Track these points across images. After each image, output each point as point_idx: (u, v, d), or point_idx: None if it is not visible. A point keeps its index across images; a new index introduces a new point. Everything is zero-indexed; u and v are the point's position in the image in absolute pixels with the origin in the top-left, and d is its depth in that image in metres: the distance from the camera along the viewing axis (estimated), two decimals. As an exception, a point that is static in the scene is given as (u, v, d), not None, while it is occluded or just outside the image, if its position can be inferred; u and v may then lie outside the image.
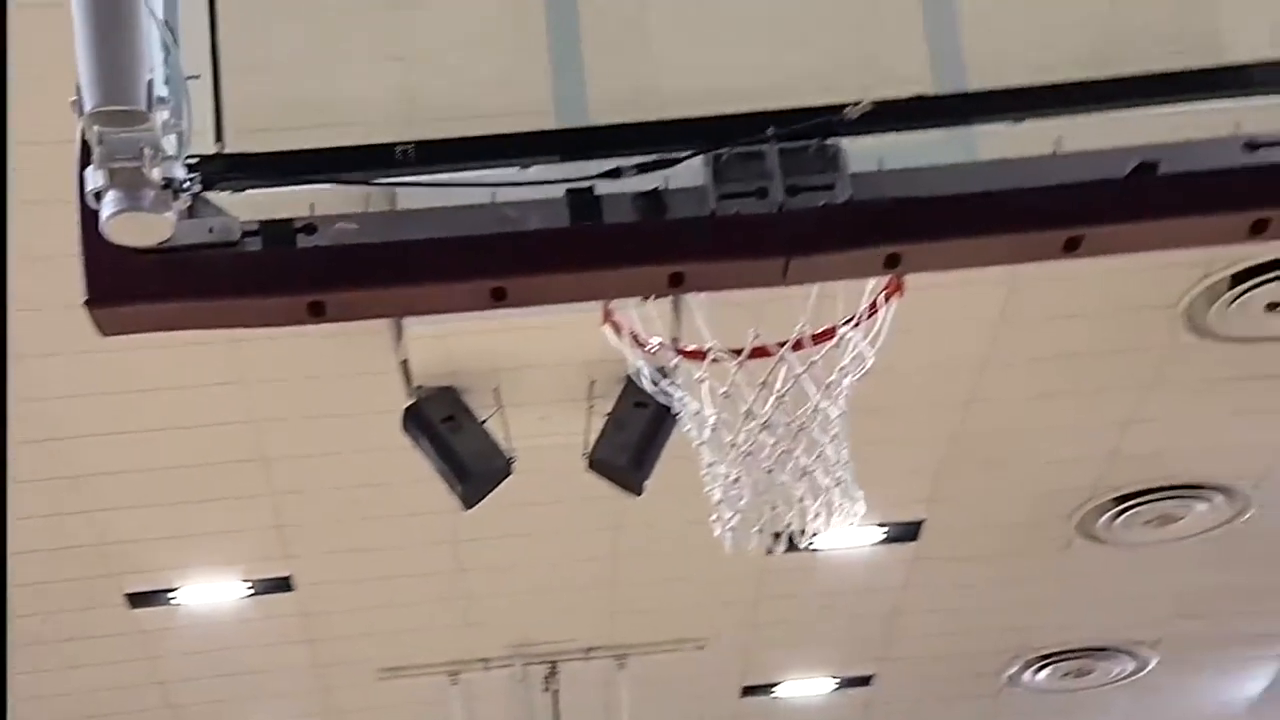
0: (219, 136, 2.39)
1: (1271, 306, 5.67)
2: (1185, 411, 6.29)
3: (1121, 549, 7.18)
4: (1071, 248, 2.44)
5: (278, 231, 2.39)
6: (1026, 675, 8.33)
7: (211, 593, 7.06)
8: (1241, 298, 5.61)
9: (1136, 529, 7.04)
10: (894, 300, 4.18)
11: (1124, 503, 6.90)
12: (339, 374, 5.67)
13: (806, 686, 8.40)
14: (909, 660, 8.05)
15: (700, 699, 8.27)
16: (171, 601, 7.02)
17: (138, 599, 6.94)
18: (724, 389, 4.23)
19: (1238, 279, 5.55)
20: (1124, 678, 8.44)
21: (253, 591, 7.05)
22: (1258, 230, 2.44)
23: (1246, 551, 7.31)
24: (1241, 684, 8.70)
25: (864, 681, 8.31)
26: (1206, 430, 6.45)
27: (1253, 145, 2.43)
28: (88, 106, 2.19)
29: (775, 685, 8.34)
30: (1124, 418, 6.31)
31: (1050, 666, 8.29)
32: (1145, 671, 8.40)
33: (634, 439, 5.47)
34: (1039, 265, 2.58)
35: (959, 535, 7.03)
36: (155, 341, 2.60)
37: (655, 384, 4.48)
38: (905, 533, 7.01)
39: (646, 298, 4.06)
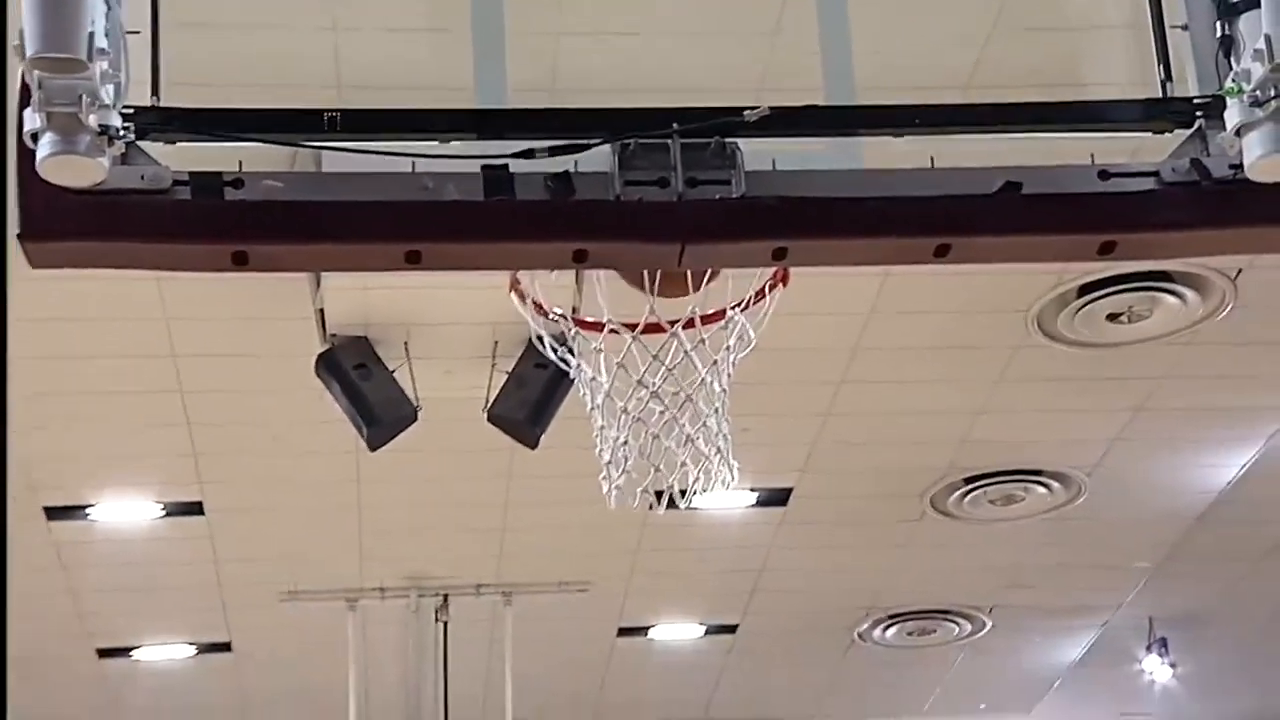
0: (155, 90, 2.34)
1: (1112, 316, 5.80)
2: (1031, 405, 6.43)
3: (968, 523, 7.33)
4: (941, 254, 2.48)
5: (206, 183, 2.35)
6: (876, 631, 8.50)
7: (126, 511, 6.94)
8: (1087, 306, 5.73)
9: (982, 506, 7.19)
10: (779, 289, 4.22)
11: (972, 483, 7.04)
12: (258, 317, 5.58)
13: (677, 630, 8.48)
14: (771, 613, 8.16)
15: (579, 637, 8.31)
16: (88, 518, 6.89)
17: (55, 512, 6.80)
18: (618, 359, 4.23)
19: (1085, 290, 5.66)
20: (962, 638, 8.64)
21: (165, 513, 6.94)
22: (1105, 250, 2.50)
23: (1076, 533, 7.50)
24: (1064, 649, 8.95)
25: (730, 629, 8.41)
26: (1049, 423, 6.60)
27: (1105, 174, 2.49)
28: (30, 51, 2.13)
29: (649, 628, 8.41)
30: (976, 407, 6.43)
31: (897, 625, 8.45)
32: (981, 634, 8.61)
33: (533, 397, 5.46)
34: (910, 265, 2.62)
35: (823, 503, 7.12)
36: (86, 274, 2.53)
37: (555, 350, 4.47)
38: (776, 498, 7.09)
39: (551, 270, 4.05)
